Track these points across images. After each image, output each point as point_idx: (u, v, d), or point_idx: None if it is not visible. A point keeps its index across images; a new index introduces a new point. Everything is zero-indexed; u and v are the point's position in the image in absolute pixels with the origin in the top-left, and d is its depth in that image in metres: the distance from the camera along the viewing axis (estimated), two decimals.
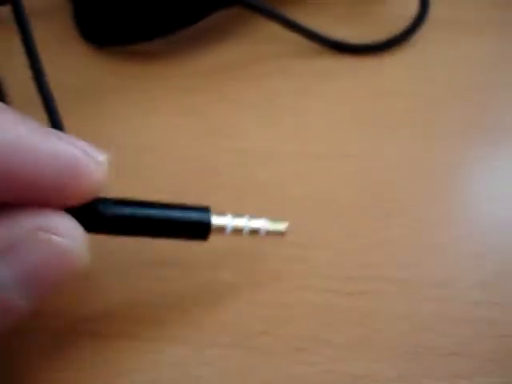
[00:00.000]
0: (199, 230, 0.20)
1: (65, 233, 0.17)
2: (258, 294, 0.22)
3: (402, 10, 0.30)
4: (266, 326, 0.21)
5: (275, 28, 0.28)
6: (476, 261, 0.22)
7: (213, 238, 0.20)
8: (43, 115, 0.21)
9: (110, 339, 0.21)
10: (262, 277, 0.22)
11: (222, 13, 0.29)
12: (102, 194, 0.18)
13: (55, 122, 0.22)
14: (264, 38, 0.29)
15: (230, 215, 0.20)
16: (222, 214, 0.20)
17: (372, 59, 0.29)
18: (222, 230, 0.20)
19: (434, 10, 0.30)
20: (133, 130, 0.27)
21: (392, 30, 0.29)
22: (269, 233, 0.21)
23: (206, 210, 0.20)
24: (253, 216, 0.20)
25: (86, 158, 0.17)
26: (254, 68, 0.28)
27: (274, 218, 0.21)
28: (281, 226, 0.21)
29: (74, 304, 0.22)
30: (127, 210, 0.18)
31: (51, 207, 0.17)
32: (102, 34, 0.29)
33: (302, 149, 0.26)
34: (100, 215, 0.18)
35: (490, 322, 0.21)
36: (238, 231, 0.20)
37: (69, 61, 0.26)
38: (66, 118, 0.26)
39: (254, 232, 0.20)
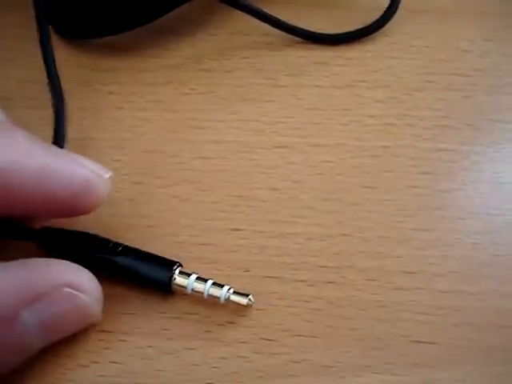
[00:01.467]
0: (160, 286, 0.21)
1: (87, 290, 0.19)
2: (227, 284, 0.21)
3: (374, 1, 0.30)
4: (232, 317, 0.21)
5: (248, 20, 0.28)
6: (444, 250, 0.22)
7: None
8: None
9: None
10: (231, 267, 0.22)
11: (194, 4, 0.29)
12: None
13: (60, 134, 0.25)
14: (236, 30, 0.29)
15: (194, 276, 0.21)
16: (187, 273, 0.21)
17: (344, 50, 0.29)
18: (183, 289, 0.21)
19: (409, 0, 0.29)
20: (102, 124, 0.26)
21: (364, 20, 0.29)
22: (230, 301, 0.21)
23: (172, 266, 0.21)
24: (217, 283, 0.21)
25: (96, 178, 0.20)
26: (226, 60, 0.28)
27: (239, 289, 0.21)
28: (244, 300, 0.21)
29: None
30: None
31: (63, 217, 0.21)
32: (72, 27, 0.29)
33: (273, 140, 0.26)
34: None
35: (458, 310, 0.21)
36: (199, 293, 0.21)
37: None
38: (34, 109, 0.27)
39: (216, 297, 0.21)
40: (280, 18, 0.28)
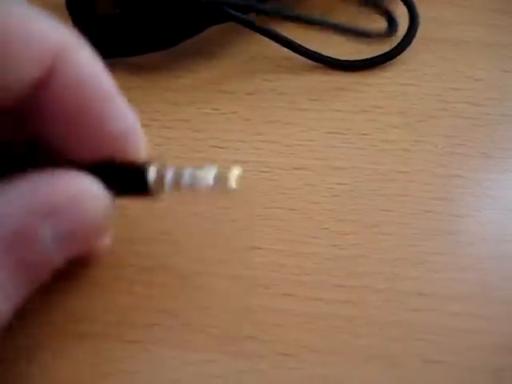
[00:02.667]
0: (137, 182, 0.20)
1: (98, 198, 0.19)
2: (246, 300, 0.22)
3: None
4: (252, 331, 0.22)
5: (267, 43, 0.29)
6: (457, 274, 0.23)
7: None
8: None
9: (97, 340, 0.22)
10: (251, 284, 0.23)
11: (218, 28, 0.30)
12: None
13: None
14: (258, 54, 0.30)
15: (172, 169, 0.20)
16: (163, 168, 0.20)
17: (362, 76, 0.30)
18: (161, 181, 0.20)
19: (424, 29, 0.31)
20: None
21: (382, 47, 0.30)
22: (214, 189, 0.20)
23: (144, 166, 0.20)
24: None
25: (141, 132, 0.20)
26: (247, 82, 0.29)
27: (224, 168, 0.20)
28: (228, 185, 0.20)
29: (61, 304, 0.22)
30: None
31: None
32: (101, 46, 0.30)
33: (293, 161, 0.27)
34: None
35: (470, 333, 0.22)
36: (178, 184, 0.20)
37: None
38: None
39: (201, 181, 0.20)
40: (301, 43, 0.29)
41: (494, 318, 0.22)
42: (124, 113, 0.20)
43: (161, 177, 0.20)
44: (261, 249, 0.24)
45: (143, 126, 0.27)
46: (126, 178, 0.20)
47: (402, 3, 0.30)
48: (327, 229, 0.25)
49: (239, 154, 0.27)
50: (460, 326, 0.22)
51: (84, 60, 0.19)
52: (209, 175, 0.20)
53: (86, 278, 0.23)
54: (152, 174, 0.20)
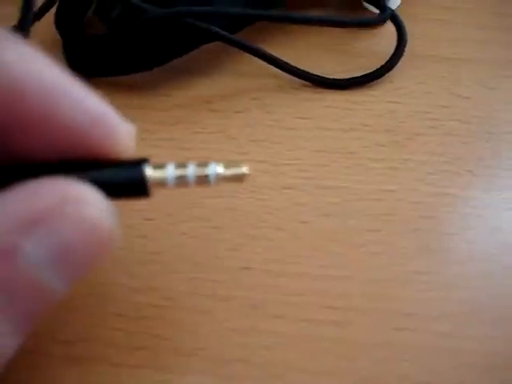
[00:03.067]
0: (135, 188, 0.17)
1: (92, 201, 0.16)
2: (235, 322, 0.22)
3: (380, 46, 0.32)
4: (241, 354, 0.22)
5: (255, 62, 0.30)
6: (444, 293, 0.23)
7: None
8: None
9: (84, 363, 0.22)
10: (239, 305, 0.23)
11: (206, 47, 0.30)
12: None
13: None
14: (245, 72, 0.31)
15: (172, 165, 0.17)
16: (162, 165, 0.17)
17: (350, 94, 0.30)
18: (163, 183, 0.17)
19: (411, 46, 0.31)
20: None
21: (370, 65, 0.30)
22: (225, 178, 0.18)
23: (141, 163, 0.17)
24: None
25: (119, 120, 0.17)
26: (234, 101, 0.29)
27: (230, 162, 0.18)
28: (239, 170, 0.18)
29: (50, 326, 0.22)
30: None
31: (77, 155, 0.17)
32: (88, 65, 0.30)
33: (281, 181, 0.27)
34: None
35: (456, 352, 0.22)
36: (183, 182, 0.18)
37: None
38: None
39: (204, 180, 0.18)
40: (289, 61, 0.30)
41: (482, 337, 0.22)
42: (84, 104, 0.17)
43: (160, 174, 0.17)
44: (250, 269, 0.24)
45: None
46: (118, 179, 0.17)
47: (390, 22, 0.30)
48: (316, 249, 0.25)
49: None
50: (448, 346, 0.22)
51: (11, 59, 0.16)
52: (215, 166, 0.18)
53: (74, 298, 0.23)
54: (150, 172, 0.17)
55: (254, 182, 0.27)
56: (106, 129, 0.17)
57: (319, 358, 0.22)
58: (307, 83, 0.30)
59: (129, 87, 0.30)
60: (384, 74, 0.30)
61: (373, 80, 0.30)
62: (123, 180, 0.17)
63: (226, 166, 0.18)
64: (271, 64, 0.30)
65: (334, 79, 0.30)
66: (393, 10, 0.31)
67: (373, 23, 0.30)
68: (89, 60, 0.30)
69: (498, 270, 0.24)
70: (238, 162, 0.18)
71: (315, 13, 0.32)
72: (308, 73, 0.30)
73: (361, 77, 0.30)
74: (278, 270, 0.24)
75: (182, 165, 0.17)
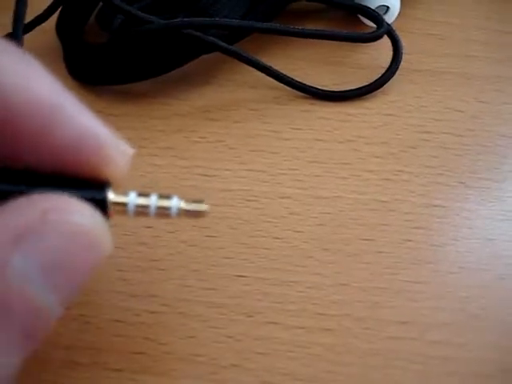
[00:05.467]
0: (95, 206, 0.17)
1: (78, 210, 0.16)
2: (231, 328, 0.23)
3: (376, 59, 0.32)
4: (236, 360, 0.22)
5: (253, 73, 0.30)
6: (436, 302, 0.24)
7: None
8: None
9: (83, 368, 0.22)
10: (234, 312, 0.24)
11: (204, 57, 0.30)
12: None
13: None
14: (242, 83, 0.31)
15: (134, 193, 0.18)
16: (124, 192, 0.18)
17: (346, 106, 0.30)
18: (123, 209, 0.17)
19: (407, 60, 0.32)
20: None
21: (365, 77, 0.31)
22: (185, 214, 0.18)
23: (102, 186, 0.17)
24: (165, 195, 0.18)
25: (113, 141, 0.17)
26: (233, 111, 0.30)
27: (192, 198, 0.18)
28: (201, 206, 0.18)
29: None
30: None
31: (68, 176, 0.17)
32: (89, 74, 0.31)
33: (277, 190, 0.27)
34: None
35: (448, 360, 0.22)
36: (143, 210, 0.18)
37: None
38: None
39: (165, 212, 0.18)
40: (286, 73, 0.30)
41: (474, 346, 0.23)
42: (74, 119, 0.17)
43: (122, 200, 0.17)
44: (246, 277, 0.25)
45: None
46: (83, 195, 0.17)
47: (386, 36, 0.31)
48: (311, 257, 0.25)
49: (225, 182, 0.27)
50: (439, 354, 0.23)
51: (5, 66, 0.16)
52: (177, 201, 0.18)
53: (72, 304, 0.23)
54: (111, 195, 0.17)
55: (251, 191, 0.27)
56: (95, 148, 0.17)
57: (313, 364, 0.22)
58: (304, 95, 0.31)
59: (128, 96, 0.31)
60: (380, 87, 0.31)
61: (368, 93, 0.31)
62: (85, 199, 0.16)
63: (188, 201, 0.18)
64: (269, 75, 0.30)
65: (330, 91, 0.30)
66: (389, 25, 0.31)
67: (369, 39, 0.31)
68: (88, 68, 0.30)
69: (489, 280, 0.25)
70: (200, 199, 0.18)
71: (312, 26, 0.33)
72: (305, 85, 0.30)
73: (357, 89, 0.31)
74: (273, 278, 0.24)
75: (144, 194, 0.18)
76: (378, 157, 0.29)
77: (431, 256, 0.25)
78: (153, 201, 0.18)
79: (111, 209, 0.17)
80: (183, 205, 0.18)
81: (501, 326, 0.23)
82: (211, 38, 0.29)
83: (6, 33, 0.29)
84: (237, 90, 0.31)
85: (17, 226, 0.15)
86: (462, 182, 0.28)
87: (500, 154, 0.29)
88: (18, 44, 0.24)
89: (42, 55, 0.30)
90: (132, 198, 0.17)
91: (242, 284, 0.24)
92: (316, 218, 0.26)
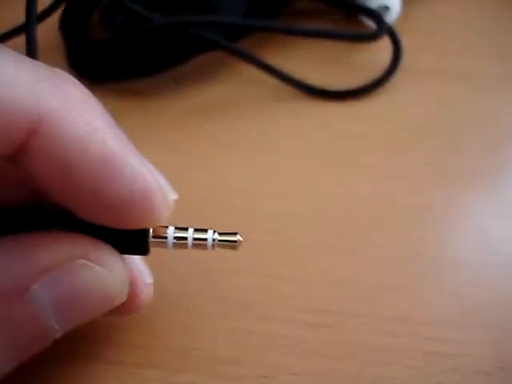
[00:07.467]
0: (137, 242, 0.19)
1: (107, 264, 0.17)
2: (228, 322, 0.23)
3: (377, 59, 0.32)
4: (233, 353, 0.22)
5: (254, 71, 0.30)
6: (433, 299, 0.24)
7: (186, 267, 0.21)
8: None
9: (81, 360, 0.22)
10: (234, 306, 0.24)
11: (205, 55, 0.31)
12: None
13: None
14: (243, 81, 0.31)
15: (172, 227, 0.19)
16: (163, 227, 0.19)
17: (347, 104, 0.31)
18: (162, 242, 0.19)
19: (408, 60, 0.32)
20: None
21: (366, 77, 0.31)
22: (219, 245, 0.20)
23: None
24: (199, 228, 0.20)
25: (162, 193, 0.17)
26: (232, 108, 0.30)
27: (224, 230, 0.20)
28: (233, 237, 0.20)
29: None
30: None
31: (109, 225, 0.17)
32: (90, 69, 0.31)
33: (275, 187, 0.27)
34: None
35: (444, 357, 0.23)
36: (181, 243, 0.19)
37: None
38: None
39: (201, 244, 0.19)
40: (287, 71, 0.30)
41: (471, 342, 0.23)
42: (129, 174, 0.16)
43: (161, 237, 0.19)
44: (244, 271, 0.25)
45: None
46: (123, 239, 0.18)
47: (386, 36, 0.31)
48: (310, 253, 0.25)
49: (224, 179, 0.28)
50: (436, 351, 0.23)
51: (67, 123, 0.16)
52: (212, 234, 0.19)
53: None
54: (151, 235, 0.19)
55: (251, 187, 0.27)
56: (147, 207, 0.17)
57: (309, 359, 0.22)
58: (304, 93, 0.31)
59: (130, 93, 0.31)
60: (380, 86, 0.31)
61: (369, 92, 0.31)
62: (128, 239, 0.18)
63: (222, 233, 0.19)
64: (270, 73, 0.30)
65: (330, 90, 0.31)
66: (389, 25, 0.31)
67: (370, 38, 0.31)
68: (90, 63, 0.31)
69: (486, 276, 0.25)
70: (234, 231, 0.20)
71: (313, 25, 0.33)
72: (305, 83, 0.31)
73: (357, 88, 0.31)
74: (271, 273, 0.25)
75: (182, 228, 0.19)
76: (377, 154, 0.29)
77: (428, 253, 0.25)
78: (190, 234, 0.19)
79: (151, 245, 0.19)
80: (218, 236, 0.19)
81: (497, 323, 0.24)
82: (212, 35, 0.29)
83: (5, 29, 0.29)
84: (237, 87, 0.31)
85: (46, 260, 0.16)
86: (460, 180, 0.28)
87: (498, 151, 0.29)
88: (31, 36, 0.24)
89: (44, 50, 0.30)
90: (171, 233, 0.19)
91: (240, 278, 0.24)
92: (314, 214, 0.26)
